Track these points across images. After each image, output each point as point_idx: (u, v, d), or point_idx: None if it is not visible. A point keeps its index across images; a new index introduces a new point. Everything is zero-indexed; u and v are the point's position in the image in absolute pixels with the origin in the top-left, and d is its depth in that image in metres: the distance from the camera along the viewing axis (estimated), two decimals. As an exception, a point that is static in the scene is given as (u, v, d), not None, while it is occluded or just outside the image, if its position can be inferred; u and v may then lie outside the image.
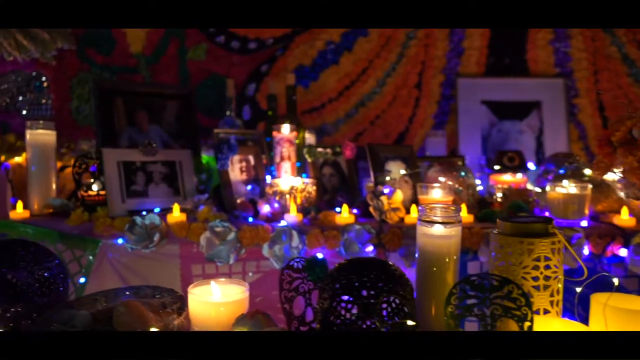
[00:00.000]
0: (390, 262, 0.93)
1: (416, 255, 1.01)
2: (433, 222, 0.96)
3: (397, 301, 0.87)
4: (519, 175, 1.89)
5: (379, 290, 0.86)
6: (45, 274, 1.06)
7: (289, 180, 1.57)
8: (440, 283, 0.97)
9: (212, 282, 1.05)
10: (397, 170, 1.58)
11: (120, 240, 1.40)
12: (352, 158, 1.82)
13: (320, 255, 1.41)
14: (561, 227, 1.41)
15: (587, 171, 1.62)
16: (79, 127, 2.38)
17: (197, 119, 2.30)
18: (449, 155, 2.18)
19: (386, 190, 1.44)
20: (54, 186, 1.62)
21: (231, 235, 1.39)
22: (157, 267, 1.42)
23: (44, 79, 2.33)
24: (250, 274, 1.43)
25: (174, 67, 2.50)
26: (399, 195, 1.50)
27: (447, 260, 0.97)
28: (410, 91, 2.56)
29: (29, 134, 1.59)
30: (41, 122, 1.61)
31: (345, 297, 0.87)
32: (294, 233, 1.38)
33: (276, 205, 1.58)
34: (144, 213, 1.55)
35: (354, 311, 0.85)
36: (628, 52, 2.41)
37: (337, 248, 1.40)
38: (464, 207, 1.48)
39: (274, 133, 1.80)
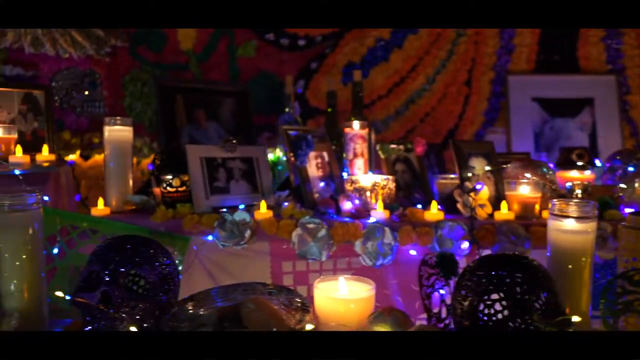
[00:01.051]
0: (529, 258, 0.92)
1: (547, 253, 0.99)
2: (568, 217, 0.95)
3: (549, 298, 0.86)
4: (587, 172, 1.88)
5: (532, 287, 0.84)
6: (164, 271, 1.04)
7: (370, 177, 1.56)
8: (576, 280, 0.96)
9: (341, 278, 1.04)
10: (479, 166, 1.57)
11: (209, 237, 1.39)
12: (423, 154, 1.81)
13: (411, 251, 1.41)
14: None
15: (669, 167, 1.61)
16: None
17: (252, 116, 2.29)
18: (509, 153, 2.17)
19: (479, 187, 1.42)
20: (130, 182, 1.61)
21: (322, 232, 1.38)
22: (247, 265, 1.40)
23: (97, 76, 2.31)
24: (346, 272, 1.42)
25: (224, 64, 2.48)
26: (485, 192, 1.49)
27: (583, 257, 0.95)
28: (460, 88, 2.55)
29: (107, 131, 1.58)
30: (119, 118, 1.59)
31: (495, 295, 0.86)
32: (387, 230, 1.37)
33: (357, 201, 1.57)
34: (225, 210, 1.54)
35: (505, 309, 0.84)
36: (681, 48, 2.41)
37: (429, 245, 1.39)
38: (504, 203, 1.47)
39: (346, 130, 1.79)
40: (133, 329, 0.93)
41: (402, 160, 1.78)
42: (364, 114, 1.94)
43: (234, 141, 1.58)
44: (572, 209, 0.95)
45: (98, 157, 1.99)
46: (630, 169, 1.84)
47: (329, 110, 2.13)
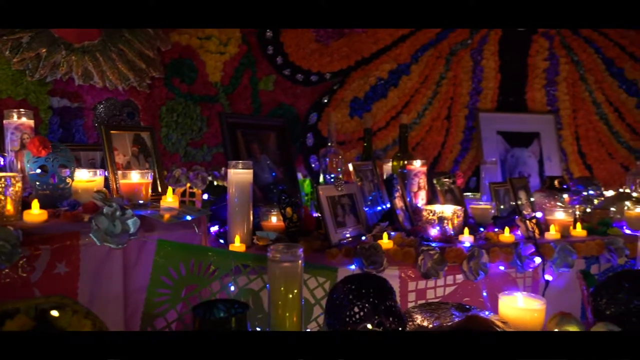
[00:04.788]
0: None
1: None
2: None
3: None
4: (565, 196, 2.48)
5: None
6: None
7: (450, 207, 1.94)
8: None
9: (518, 293, 1.41)
10: (524, 197, 2.05)
11: (352, 267, 1.65)
12: (462, 185, 2.23)
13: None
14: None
15: (634, 194, 2.27)
16: (168, 154, 2.41)
17: (291, 148, 2.51)
18: (505, 181, 2.71)
19: (539, 214, 1.89)
20: (251, 219, 1.76)
21: (440, 256, 1.73)
22: (382, 287, 1.68)
23: (135, 107, 2.32)
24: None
25: (248, 97, 2.65)
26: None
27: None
28: (442, 122, 3.05)
29: (232, 173, 1.72)
30: (240, 162, 1.73)
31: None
32: (483, 251, 1.77)
33: (438, 228, 1.93)
34: (344, 242, 1.79)
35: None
36: (596, 97, 3.20)
37: (511, 261, 1.82)
38: (579, 224, 2.00)
39: (408, 167, 2.15)
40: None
41: (449, 191, 2.19)
42: (409, 152, 2.31)
43: (344, 181, 1.84)
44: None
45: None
46: (591, 192, 2.49)
47: (365, 144, 2.45)
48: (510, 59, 3.11)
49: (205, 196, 2.25)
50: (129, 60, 2.21)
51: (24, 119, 1.61)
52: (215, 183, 2.39)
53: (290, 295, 1.20)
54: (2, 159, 1.56)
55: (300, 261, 1.21)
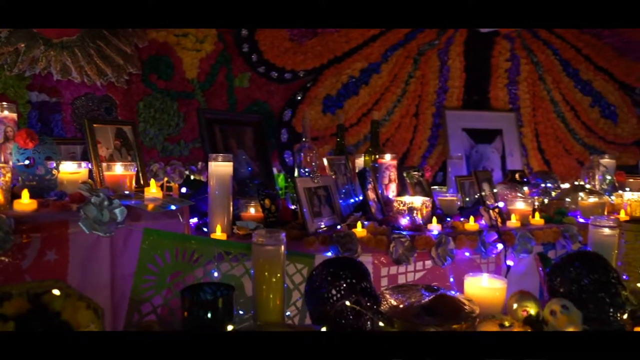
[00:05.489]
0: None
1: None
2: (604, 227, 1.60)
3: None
4: (525, 189, 2.65)
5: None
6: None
7: (420, 199, 2.05)
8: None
9: (484, 274, 1.53)
10: (487, 189, 2.18)
11: (329, 253, 1.74)
12: (429, 179, 2.36)
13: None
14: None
15: (587, 185, 2.44)
16: (145, 149, 2.45)
17: (267, 143, 2.59)
18: (470, 174, 2.85)
19: (501, 204, 2.03)
20: (231, 209, 1.84)
21: (410, 243, 1.84)
22: (357, 272, 1.78)
23: (112, 102, 2.36)
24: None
25: (224, 93, 2.71)
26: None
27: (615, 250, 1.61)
28: (410, 119, 3.18)
29: (212, 165, 1.79)
30: (220, 155, 1.80)
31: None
32: (450, 239, 1.89)
33: (408, 218, 2.05)
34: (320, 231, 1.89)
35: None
36: (553, 96, 3.39)
37: (475, 247, 1.95)
38: (537, 214, 2.15)
39: (380, 161, 2.26)
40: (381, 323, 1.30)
41: (418, 184, 2.31)
42: (380, 147, 2.42)
43: (319, 174, 1.93)
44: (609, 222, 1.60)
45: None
46: (549, 185, 2.66)
47: (338, 139, 2.55)
48: (475, 60, 3.26)
49: (184, 190, 2.31)
50: (106, 56, 2.24)
51: (7, 113, 1.64)
52: (192, 177, 2.45)
53: (274, 279, 1.28)
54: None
55: (282, 245, 1.30)
